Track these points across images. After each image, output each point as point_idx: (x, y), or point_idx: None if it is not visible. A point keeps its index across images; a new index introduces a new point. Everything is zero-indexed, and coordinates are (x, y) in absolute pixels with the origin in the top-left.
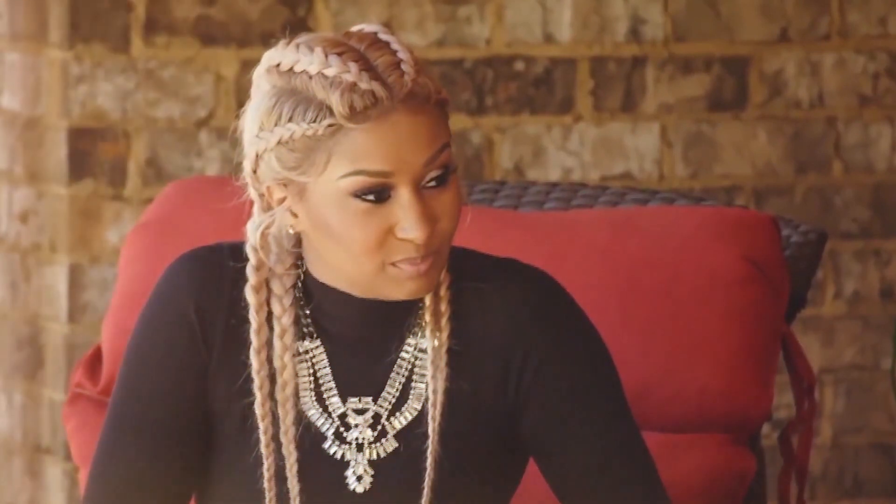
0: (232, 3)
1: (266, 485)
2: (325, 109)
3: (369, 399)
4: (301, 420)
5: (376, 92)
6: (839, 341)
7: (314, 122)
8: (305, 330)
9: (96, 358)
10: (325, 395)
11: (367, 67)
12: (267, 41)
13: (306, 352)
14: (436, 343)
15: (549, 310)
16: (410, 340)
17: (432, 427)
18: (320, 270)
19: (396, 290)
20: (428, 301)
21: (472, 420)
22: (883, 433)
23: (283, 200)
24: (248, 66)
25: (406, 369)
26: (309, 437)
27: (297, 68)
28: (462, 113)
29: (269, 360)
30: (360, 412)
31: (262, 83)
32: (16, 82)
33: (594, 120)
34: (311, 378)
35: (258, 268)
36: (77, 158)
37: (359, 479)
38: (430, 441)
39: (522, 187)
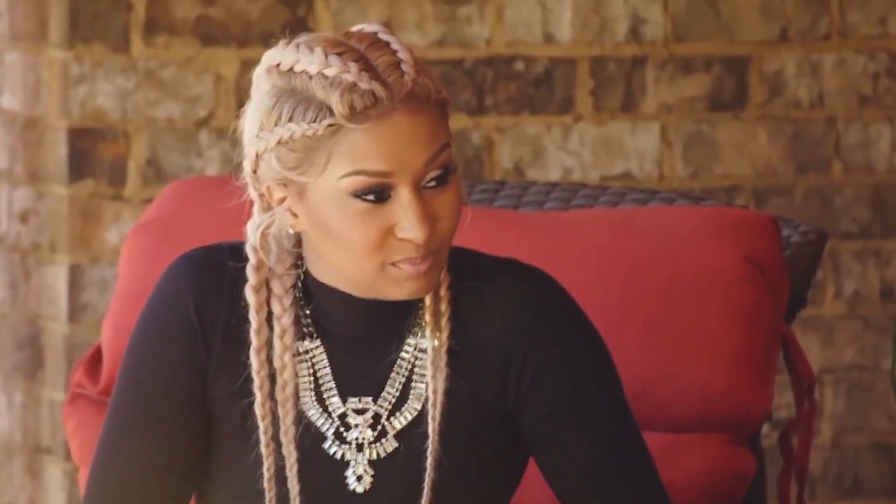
0: (232, 3)
1: (266, 485)
2: (325, 109)
3: (369, 399)
4: (301, 420)
5: (376, 92)
6: (839, 341)
7: (314, 122)
8: (305, 330)
9: (96, 358)
10: (325, 395)
11: (367, 67)
12: (267, 41)
13: (306, 352)
14: (436, 343)
15: (548, 310)
16: (410, 340)
17: (432, 427)
18: (320, 270)
19: (396, 290)
20: (428, 301)
21: (472, 420)
22: (883, 433)
23: (283, 200)
24: (248, 66)
25: (406, 369)
26: (309, 437)
27: (297, 68)
28: (462, 113)
29: (269, 360)
30: (360, 412)
31: (262, 83)
32: (16, 82)
33: (594, 120)
34: (311, 378)
35: (258, 268)
36: (77, 158)
37: (359, 479)
38: (430, 441)
39: (522, 187)
